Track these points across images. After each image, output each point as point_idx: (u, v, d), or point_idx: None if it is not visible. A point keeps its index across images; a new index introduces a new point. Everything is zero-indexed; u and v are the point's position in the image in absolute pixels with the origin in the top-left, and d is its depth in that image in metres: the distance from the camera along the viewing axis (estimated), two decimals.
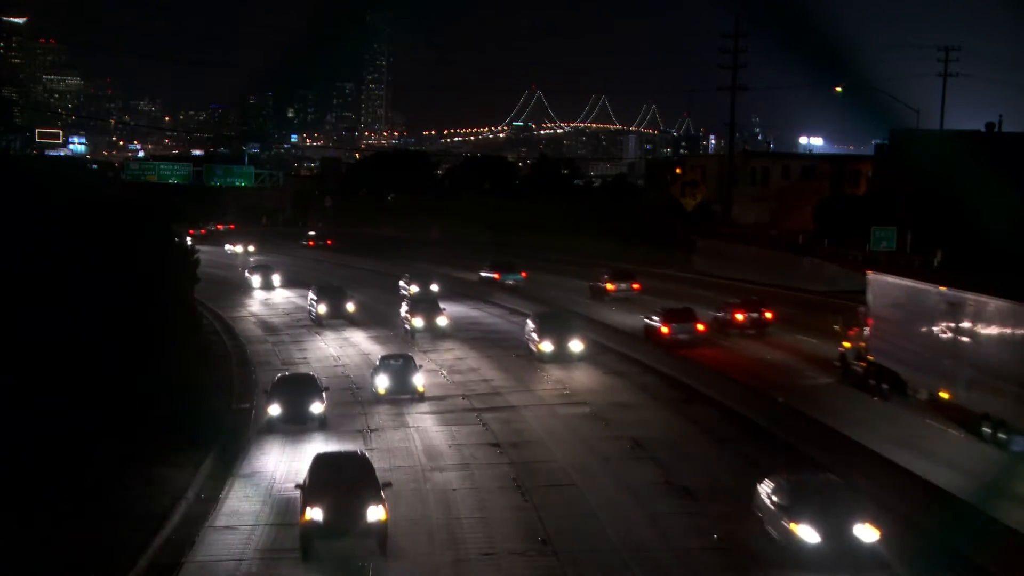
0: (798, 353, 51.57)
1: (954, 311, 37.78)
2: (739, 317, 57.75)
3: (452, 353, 54.47)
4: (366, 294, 75.98)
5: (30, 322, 30.30)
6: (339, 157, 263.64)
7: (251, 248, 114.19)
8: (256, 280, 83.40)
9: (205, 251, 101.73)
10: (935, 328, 38.91)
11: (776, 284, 77.78)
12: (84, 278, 33.36)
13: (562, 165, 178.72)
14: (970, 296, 37.01)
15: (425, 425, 39.33)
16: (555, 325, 52.41)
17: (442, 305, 61.43)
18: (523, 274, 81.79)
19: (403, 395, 42.87)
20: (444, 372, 49.38)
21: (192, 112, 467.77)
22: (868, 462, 29.75)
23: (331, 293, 65.38)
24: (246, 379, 48.45)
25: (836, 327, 47.52)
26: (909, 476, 28.12)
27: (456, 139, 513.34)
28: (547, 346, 50.48)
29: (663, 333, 53.63)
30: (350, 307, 64.41)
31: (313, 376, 41.67)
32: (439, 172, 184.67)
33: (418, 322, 58.33)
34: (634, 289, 71.11)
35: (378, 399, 42.98)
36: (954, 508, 25.50)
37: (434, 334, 58.16)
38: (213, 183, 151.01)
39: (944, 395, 37.61)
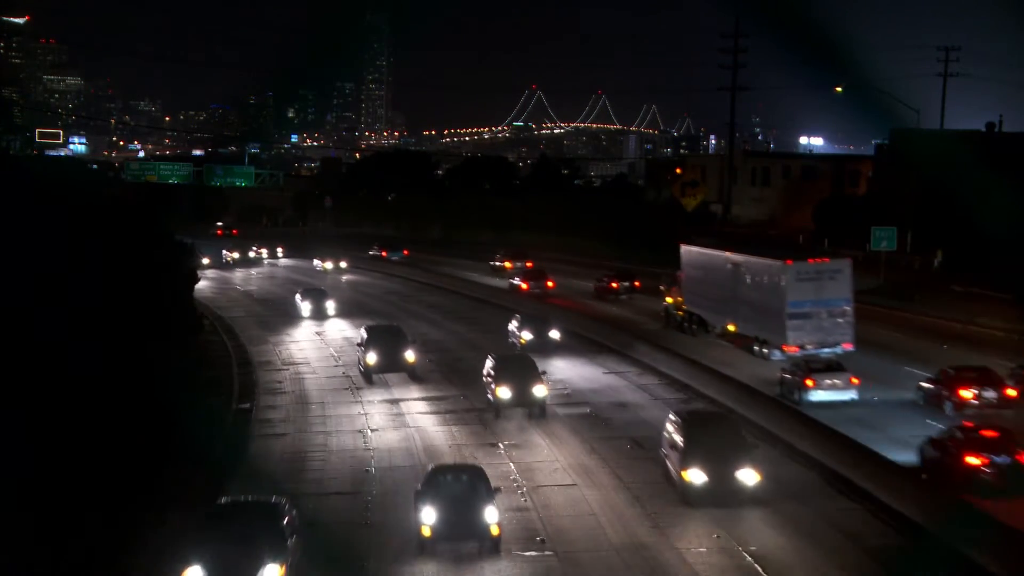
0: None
1: (735, 268, 53.74)
2: (614, 285, 73.88)
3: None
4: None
5: (29, 322, 30.29)
6: (339, 157, 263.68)
7: (343, 264, 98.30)
8: (306, 308, 68.17)
9: (285, 265, 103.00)
10: (724, 281, 54.76)
11: None
12: (81, 278, 33.37)
13: (562, 165, 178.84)
14: (744, 257, 53.29)
15: (425, 425, 39.32)
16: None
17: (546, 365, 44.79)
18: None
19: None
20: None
21: (192, 112, 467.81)
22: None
23: (384, 337, 48.38)
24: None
25: (661, 287, 64.74)
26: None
27: (456, 139, 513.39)
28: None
29: (523, 288, 75.71)
30: (409, 356, 47.42)
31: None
32: (439, 172, 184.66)
33: (505, 393, 39.79)
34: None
35: None
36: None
37: (528, 409, 40.07)
38: (213, 183, 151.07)
39: (731, 328, 54.04)
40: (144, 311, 37.79)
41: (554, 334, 53.62)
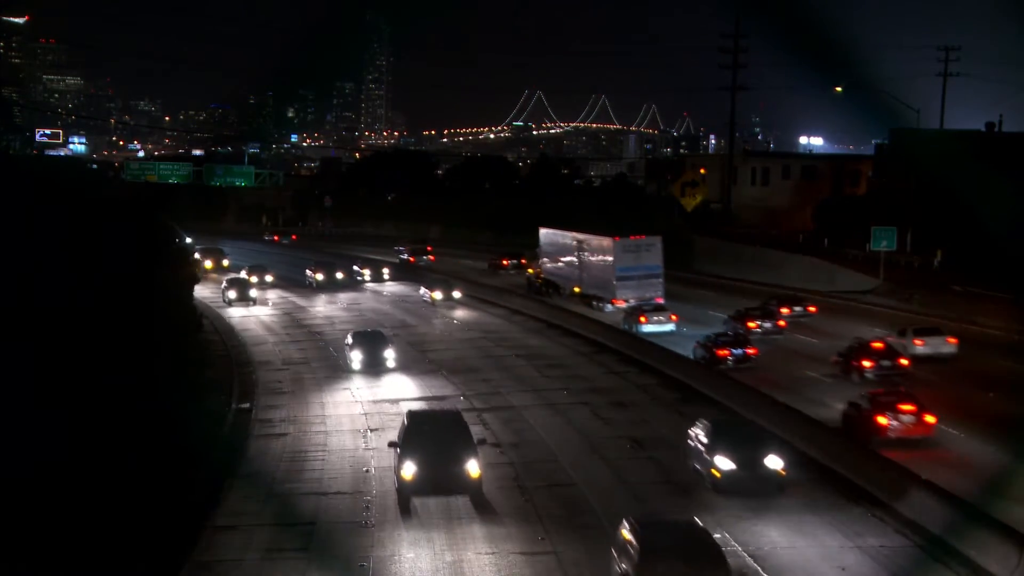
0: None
1: (579, 244, 73.32)
2: (504, 263, 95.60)
3: None
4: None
5: (28, 323, 30.29)
6: (339, 157, 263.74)
7: (456, 294, 75.28)
8: (356, 358, 49.70)
9: (391, 294, 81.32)
10: (571, 255, 74.96)
11: (776, 284, 77.76)
12: (80, 279, 33.36)
13: (562, 165, 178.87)
14: (585, 236, 72.66)
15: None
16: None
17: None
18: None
19: None
20: None
21: (192, 112, 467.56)
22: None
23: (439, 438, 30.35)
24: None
25: (523, 261, 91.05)
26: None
27: (456, 139, 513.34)
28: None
29: (411, 260, 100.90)
30: (472, 469, 29.13)
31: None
32: (439, 172, 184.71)
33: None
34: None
35: None
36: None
37: None
38: (213, 183, 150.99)
39: (576, 290, 73.47)
40: (144, 311, 37.77)
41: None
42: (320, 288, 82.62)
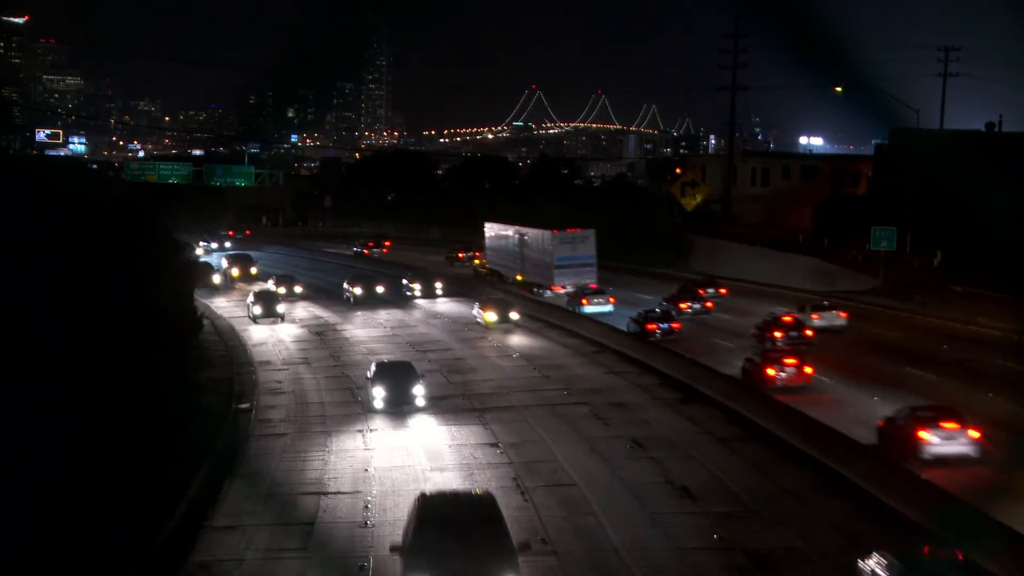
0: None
1: (521, 237, 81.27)
2: (460, 255, 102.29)
3: None
4: None
5: (27, 324, 30.29)
6: (339, 157, 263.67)
7: (514, 315, 62.73)
8: (378, 395, 41.15)
9: (442, 313, 69.86)
10: (513, 247, 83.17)
11: (776, 284, 77.82)
12: (83, 279, 33.36)
13: (562, 165, 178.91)
14: (527, 229, 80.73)
15: (425, 425, 39.33)
16: None
17: None
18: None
19: None
20: None
21: (192, 112, 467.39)
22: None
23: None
24: None
25: (471, 253, 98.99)
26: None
27: (456, 139, 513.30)
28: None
29: (365, 252, 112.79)
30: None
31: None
32: (439, 172, 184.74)
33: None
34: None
35: None
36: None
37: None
38: (213, 183, 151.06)
39: (519, 278, 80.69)
40: (144, 311, 37.78)
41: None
42: (358, 304, 73.03)
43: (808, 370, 42.97)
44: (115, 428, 31.05)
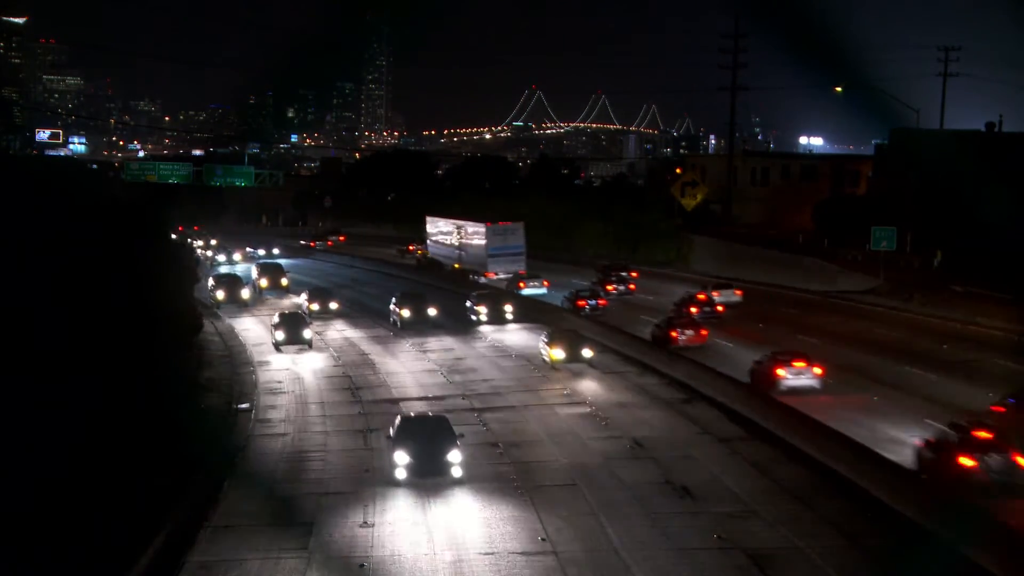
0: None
1: (458, 228, 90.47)
2: (411, 248, 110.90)
3: None
4: None
5: (26, 324, 30.30)
6: (339, 157, 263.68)
7: (588, 354, 49.66)
8: (401, 461, 32.34)
9: (509, 346, 56.74)
10: (452, 237, 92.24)
11: (776, 284, 77.79)
12: (83, 279, 33.36)
13: (562, 165, 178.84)
14: (463, 222, 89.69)
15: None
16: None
17: None
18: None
19: None
20: None
21: (192, 112, 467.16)
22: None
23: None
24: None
25: (412, 247, 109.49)
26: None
27: (456, 139, 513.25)
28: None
29: (311, 245, 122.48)
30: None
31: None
32: (439, 172, 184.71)
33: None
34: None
35: None
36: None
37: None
38: (213, 183, 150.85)
39: (456, 266, 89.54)
40: (144, 311, 37.79)
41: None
42: (406, 328, 60.94)
43: (704, 333, 53.90)
44: (115, 428, 31.06)
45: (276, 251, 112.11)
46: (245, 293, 72.94)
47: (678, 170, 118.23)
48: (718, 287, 69.31)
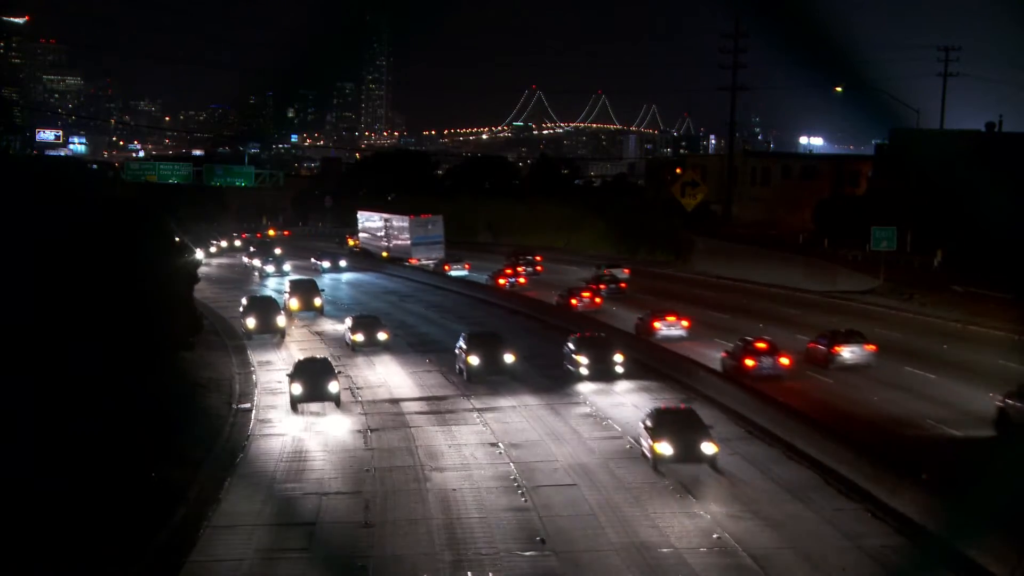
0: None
1: (385, 222, 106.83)
2: (349, 241, 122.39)
3: None
4: None
5: (26, 324, 30.28)
6: (339, 157, 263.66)
7: (708, 448, 32.40)
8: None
9: (612, 408, 41.47)
10: (380, 230, 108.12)
11: (776, 284, 77.75)
12: (83, 279, 33.35)
13: (562, 165, 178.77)
14: (390, 215, 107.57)
15: (425, 425, 39.32)
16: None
17: None
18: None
19: None
20: None
21: (192, 112, 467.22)
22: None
23: None
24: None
25: (348, 237, 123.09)
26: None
27: (456, 139, 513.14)
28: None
29: (243, 236, 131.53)
30: None
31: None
32: (439, 172, 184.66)
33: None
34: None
35: None
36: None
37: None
38: (213, 183, 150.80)
39: (384, 255, 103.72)
40: (145, 311, 37.78)
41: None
42: (474, 378, 45.88)
43: (598, 300, 68.16)
44: (115, 428, 31.05)
45: (343, 263, 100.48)
46: (281, 321, 59.57)
47: (678, 170, 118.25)
48: (610, 267, 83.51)
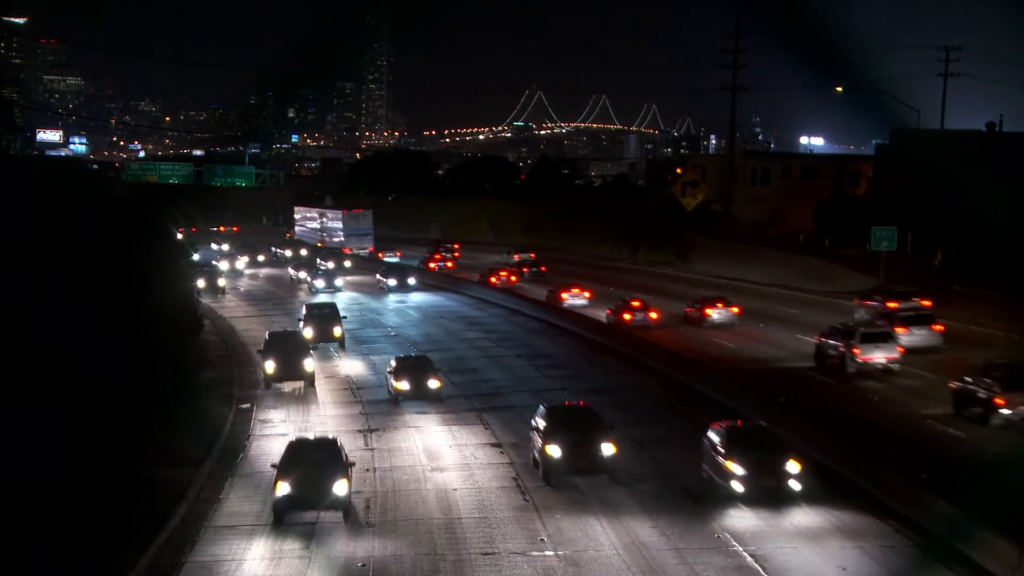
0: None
1: (322, 216, 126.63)
2: (288, 235, 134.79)
3: None
4: None
5: (27, 324, 30.27)
6: (339, 157, 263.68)
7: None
8: None
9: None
10: (317, 223, 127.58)
11: (776, 284, 77.75)
12: (79, 281, 33.34)
13: (563, 165, 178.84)
14: (324, 209, 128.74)
15: (425, 425, 39.32)
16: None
17: None
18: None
19: None
20: None
21: (192, 112, 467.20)
22: None
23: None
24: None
25: (285, 229, 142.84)
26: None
27: (456, 139, 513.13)
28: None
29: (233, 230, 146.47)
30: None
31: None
32: (439, 172, 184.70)
33: None
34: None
35: None
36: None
37: None
38: (214, 183, 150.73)
39: (319, 244, 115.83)
40: (144, 311, 37.77)
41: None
42: (556, 471, 31.28)
43: (514, 279, 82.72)
44: (115, 428, 31.04)
45: (412, 281, 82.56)
46: (309, 365, 46.33)
47: (679, 170, 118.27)
48: (519, 252, 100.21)
